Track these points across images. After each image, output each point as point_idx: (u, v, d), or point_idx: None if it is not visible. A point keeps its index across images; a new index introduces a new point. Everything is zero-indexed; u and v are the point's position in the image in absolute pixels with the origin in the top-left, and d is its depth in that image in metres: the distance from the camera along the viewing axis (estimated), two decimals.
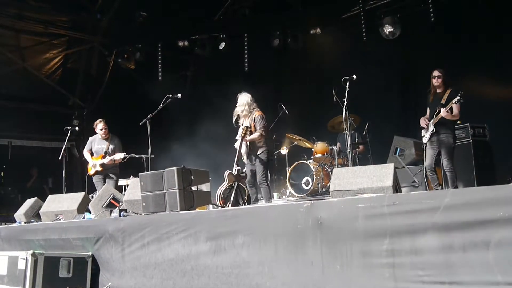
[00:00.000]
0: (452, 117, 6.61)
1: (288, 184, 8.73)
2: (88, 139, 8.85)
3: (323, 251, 3.56)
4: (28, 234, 6.52)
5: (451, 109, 6.56)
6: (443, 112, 6.54)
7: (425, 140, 6.84)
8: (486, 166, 7.73)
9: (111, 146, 8.47)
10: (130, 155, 9.29)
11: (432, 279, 3.00)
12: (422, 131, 6.94)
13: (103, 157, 8.39)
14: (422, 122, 6.91)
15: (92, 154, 8.60)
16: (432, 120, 6.72)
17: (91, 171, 8.52)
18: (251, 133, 6.84)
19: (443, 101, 6.67)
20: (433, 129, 6.67)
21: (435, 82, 6.79)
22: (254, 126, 6.88)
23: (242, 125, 6.98)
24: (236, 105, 7.06)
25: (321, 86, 9.09)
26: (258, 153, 6.91)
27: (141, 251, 5.01)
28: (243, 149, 6.81)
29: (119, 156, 8.32)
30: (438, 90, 6.82)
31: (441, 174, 7.19)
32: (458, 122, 7.17)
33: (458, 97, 6.40)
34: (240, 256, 4.09)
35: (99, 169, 8.40)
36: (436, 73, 6.78)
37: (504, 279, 2.72)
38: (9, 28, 11.21)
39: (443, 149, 6.66)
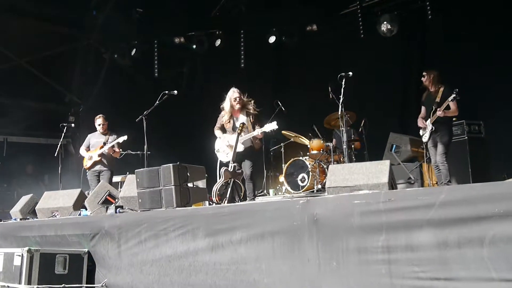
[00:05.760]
0: (451, 113, 6.77)
1: (284, 180, 8.74)
2: (84, 135, 8.85)
3: (319, 248, 3.57)
4: (24, 231, 6.51)
5: (447, 107, 6.65)
6: (439, 113, 6.66)
7: (425, 139, 6.98)
8: (482, 163, 7.77)
9: (110, 139, 8.46)
10: (126, 152, 9.28)
11: (427, 275, 3.02)
12: (421, 130, 7.03)
13: (102, 147, 8.38)
14: (420, 122, 7.06)
15: (88, 150, 8.61)
16: (430, 119, 6.84)
17: (87, 164, 8.50)
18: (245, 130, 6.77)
19: (438, 99, 6.81)
20: (432, 128, 6.81)
21: (424, 81, 7.04)
22: (253, 122, 6.81)
23: (230, 121, 6.94)
24: (237, 98, 6.91)
25: (317, 82, 9.07)
26: (249, 149, 6.83)
27: (138, 248, 5.02)
28: (232, 146, 6.74)
29: (122, 138, 8.26)
30: (431, 89, 7.02)
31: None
32: (454, 118, 7.23)
33: (454, 95, 6.52)
34: (237, 252, 4.11)
35: (97, 159, 8.37)
36: (424, 73, 7.05)
37: (498, 275, 2.74)
38: (4, 25, 11.16)
39: (439, 145, 6.80)
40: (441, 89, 6.84)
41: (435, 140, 6.87)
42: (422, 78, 7.06)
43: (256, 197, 7.12)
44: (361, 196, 3.58)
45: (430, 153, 7.05)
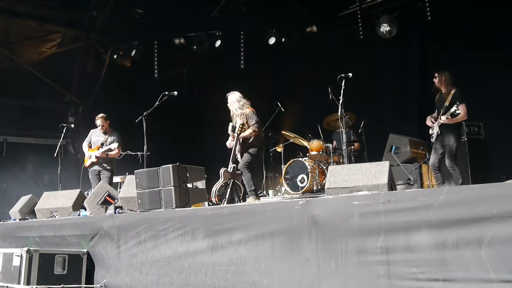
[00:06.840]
0: (460, 119, 6.59)
1: (283, 181, 8.74)
2: (84, 135, 8.85)
3: (318, 248, 3.57)
4: (23, 231, 6.51)
5: (455, 113, 6.52)
6: (443, 119, 6.54)
7: (432, 139, 6.82)
8: (481, 164, 7.78)
9: (109, 139, 8.47)
10: (125, 152, 9.28)
11: (426, 276, 3.02)
12: (430, 129, 6.92)
13: (99, 148, 8.41)
14: (428, 120, 6.89)
15: (90, 146, 8.63)
16: (437, 122, 6.70)
17: (86, 163, 8.53)
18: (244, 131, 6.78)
19: (447, 103, 6.63)
20: (438, 131, 6.66)
21: (436, 82, 6.83)
22: (247, 123, 6.82)
23: (235, 123, 6.95)
24: (228, 105, 7.00)
25: (317, 84, 9.09)
26: (249, 150, 6.80)
27: (137, 248, 5.02)
28: (237, 148, 6.74)
29: (110, 148, 8.27)
30: (443, 91, 6.80)
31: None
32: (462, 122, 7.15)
33: (454, 108, 6.40)
34: (237, 253, 4.11)
35: (94, 160, 8.40)
36: (435, 74, 6.83)
37: (496, 276, 2.75)
38: (3, 25, 11.16)
39: (446, 149, 6.64)
40: (452, 91, 6.63)
41: (439, 143, 6.69)
42: (434, 80, 6.83)
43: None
44: (360, 197, 3.58)
45: (432, 153, 6.88)
